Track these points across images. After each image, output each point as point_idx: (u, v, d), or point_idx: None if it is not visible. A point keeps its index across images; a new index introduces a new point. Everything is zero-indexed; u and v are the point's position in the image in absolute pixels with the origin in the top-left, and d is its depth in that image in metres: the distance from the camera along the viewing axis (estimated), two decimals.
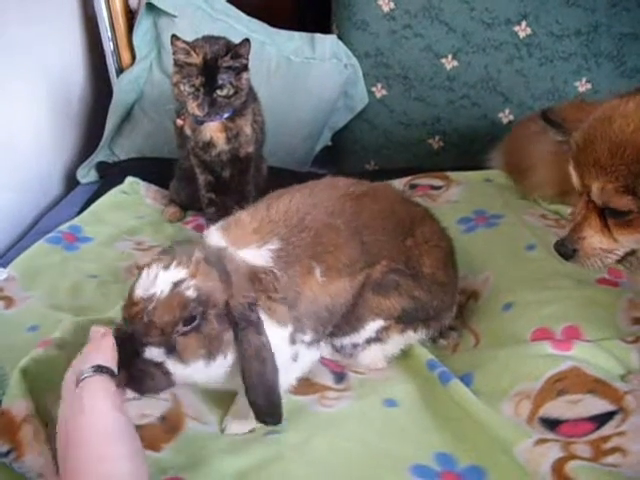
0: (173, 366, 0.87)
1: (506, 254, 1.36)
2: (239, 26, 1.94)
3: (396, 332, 1.14)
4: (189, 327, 0.86)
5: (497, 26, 1.97)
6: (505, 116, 2.06)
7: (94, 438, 0.73)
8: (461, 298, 1.29)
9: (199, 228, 1.67)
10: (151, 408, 1.01)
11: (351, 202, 1.12)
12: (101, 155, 2.02)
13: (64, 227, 1.58)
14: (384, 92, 2.08)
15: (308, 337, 1.02)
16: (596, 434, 0.94)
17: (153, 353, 0.85)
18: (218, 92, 1.45)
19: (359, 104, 2.10)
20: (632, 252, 0.95)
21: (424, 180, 1.72)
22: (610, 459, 0.89)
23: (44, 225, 1.68)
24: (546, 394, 1.01)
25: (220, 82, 1.45)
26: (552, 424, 0.97)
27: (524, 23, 1.97)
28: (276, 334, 0.95)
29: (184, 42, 1.45)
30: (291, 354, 1.01)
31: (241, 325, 0.89)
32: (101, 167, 2.00)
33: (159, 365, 0.86)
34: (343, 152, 2.22)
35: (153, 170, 1.90)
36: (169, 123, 1.71)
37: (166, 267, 0.88)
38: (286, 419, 1.03)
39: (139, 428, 0.95)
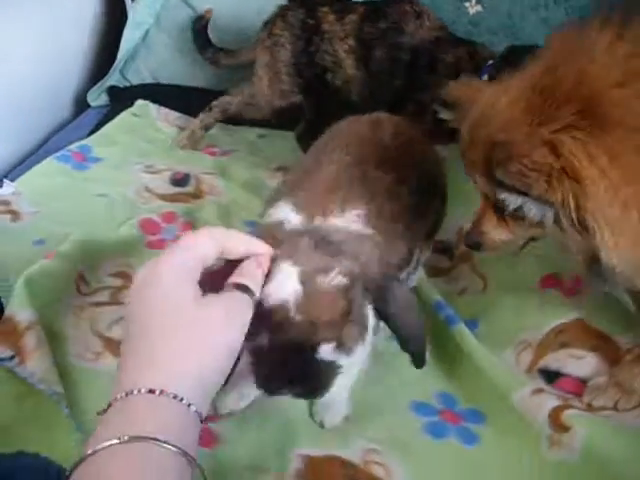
0: (342, 360, 0.77)
1: None
2: None
3: (426, 248, 1.14)
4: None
5: None
6: None
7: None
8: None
9: (212, 154, 1.67)
10: None
11: (393, 150, 1.05)
12: (113, 79, 1.98)
13: (73, 147, 1.57)
14: None
15: None
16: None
17: (325, 351, 0.75)
18: None
19: None
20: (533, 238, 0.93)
21: None
22: (604, 413, 0.91)
23: (53, 145, 1.66)
24: (548, 345, 1.01)
25: None
26: (550, 376, 0.98)
27: None
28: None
29: None
30: None
31: (385, 284, 0.80)
32: (112, 91, 1.97)
33: (330, 364, 0.76)
34: None
35: (166, 97, 1.89)
36: (185, 49, 1.68)
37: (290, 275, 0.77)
38: None
39: None
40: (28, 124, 1.73)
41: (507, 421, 0.92)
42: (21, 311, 0.95)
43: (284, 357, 0.73)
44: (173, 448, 0.51)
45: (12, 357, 0.89)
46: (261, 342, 0.73)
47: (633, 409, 0.91)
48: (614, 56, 0.77)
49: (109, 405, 0.54)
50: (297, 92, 1.61)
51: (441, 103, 0.99)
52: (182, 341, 0.58)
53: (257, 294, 0.66)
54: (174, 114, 1.84)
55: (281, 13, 1.61)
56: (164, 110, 1.85)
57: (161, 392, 0.54)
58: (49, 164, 1.49)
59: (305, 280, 0.74)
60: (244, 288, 0.65)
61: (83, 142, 1.60)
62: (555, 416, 0.87)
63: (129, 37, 1.97)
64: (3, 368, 0.89)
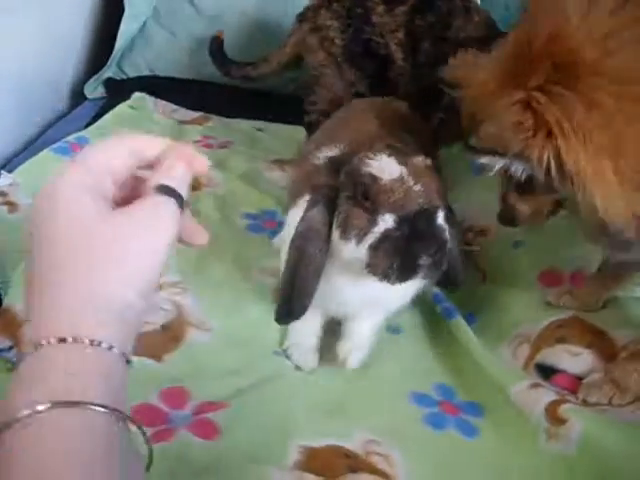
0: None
1: None
2: None
3: None
4: None
5: None
6: None
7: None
8: (470, 234, 1.28)
9: (208, 147, 1.66)
10: (153, 316, 1.00)
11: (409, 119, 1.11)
12: (110, 71, 1.97)
13: (71, 138, 1.56)
14: None
15: None
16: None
17: (441, 217, 0.80)
18: None
19: None
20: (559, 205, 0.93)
21: None
22: (598, 407, 0.92)
23: (51, 137, 1.65)
24: (545, 339, 1.01)
25: None
26: (547, 372, 0.98)
27: None
28: None
29: None
30: None
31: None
32: (109, 84, 1.96)
33: (445, 231, 0.80)
34: None
35: (164, 89, 1.88)
36: (183, 41, 1.66)
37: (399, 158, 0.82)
38: None
39: (140, 336, 0.95)
40: (25, 116, 1.72)
41: (505, 414, 0.93)
42: (19, 303, 0.95)
43: (416, 229, 0.76)
44: (97, 408, 0.43)
45: (10, 348, 0.89)
46: (385, 228, 0.76)
47: (627, 405, 0.92)
48: (594, 17, 0.75)
49: (19, 361, 0.46)
50: (363, 86, 1.50)
51: (443, 82, 0.99)
52: (86, 269, 0.48)
53: (184, 195, 0.55)
54: (171, 106, 1.84)
55: (322, 3, 1.50)
56: (161, 102, 1.85)
57: (74, 339, 0.45)
58: (46, 156, 1.48)
59: (403, 163, 0.79)
60: (167, 190, 0.54)
61: (80, 134, 1.59)
62: (552, 410, 0.88)
63: (126, 29, 1.95)
64: (2, 359, 0.88)
